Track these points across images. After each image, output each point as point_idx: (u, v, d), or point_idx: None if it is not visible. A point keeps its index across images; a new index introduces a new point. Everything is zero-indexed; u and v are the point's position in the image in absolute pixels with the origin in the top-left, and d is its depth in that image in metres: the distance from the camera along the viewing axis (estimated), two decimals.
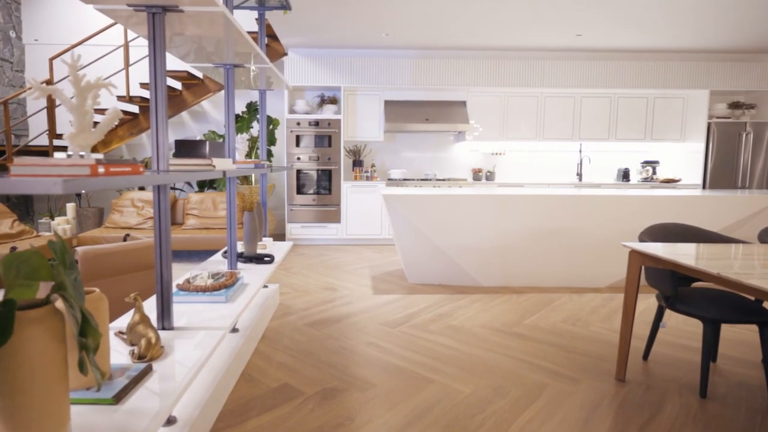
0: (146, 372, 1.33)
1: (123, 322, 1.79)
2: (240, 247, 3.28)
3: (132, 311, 1.89)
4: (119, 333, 1.59)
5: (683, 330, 3.08)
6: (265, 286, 3.56)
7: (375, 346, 2.78)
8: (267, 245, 3.25)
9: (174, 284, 2.14)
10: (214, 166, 1.90)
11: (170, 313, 1.68)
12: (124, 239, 3.09)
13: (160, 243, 1.64)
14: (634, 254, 2.25)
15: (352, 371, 2.45)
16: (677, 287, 2.27)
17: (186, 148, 1.95)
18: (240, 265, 2.75)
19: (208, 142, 1.96)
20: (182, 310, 1.93)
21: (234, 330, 2.63)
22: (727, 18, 4.74)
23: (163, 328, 1.69)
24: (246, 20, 6.38)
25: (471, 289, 4.00)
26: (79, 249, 2.24)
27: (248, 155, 5.99)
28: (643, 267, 2.27)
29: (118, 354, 1.48)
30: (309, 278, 4.39)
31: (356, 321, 3.23)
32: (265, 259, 2.78)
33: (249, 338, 2.64)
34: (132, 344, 1.52)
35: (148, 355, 1.41)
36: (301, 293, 3.90)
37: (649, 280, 2.43)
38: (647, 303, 3.67)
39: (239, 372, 2.42)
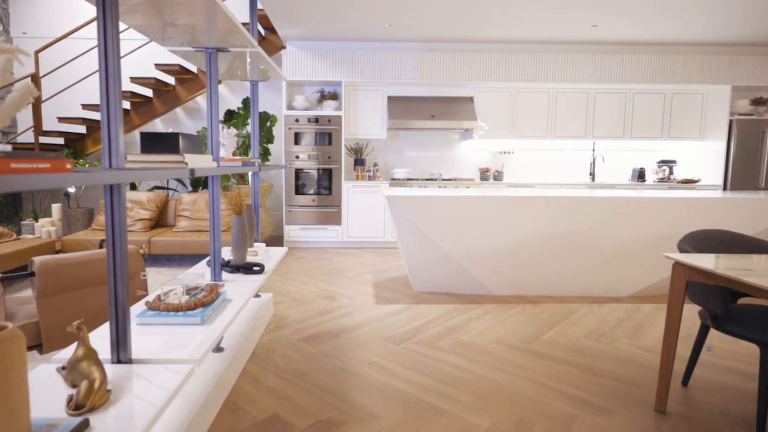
0: (80, 430, 1.02)
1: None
2: (228, 254, 2.98)
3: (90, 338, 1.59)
4: (60, 369, 1.29)
5: (727, 350, 2.77)
6: (257, 296, 3.26)
7: (377, 367, 2.47)
8: (258, 252, 2.95)
9: (144, 301, 1.84)
10: (186, 164, 1.60)
11: (127, 342, 1.38)
12: (101, 245, 2.79)
13: (114, 257, 1.34)
14: (680, 267, 1.94)
15: (351, 398, 2.14)
16: (728, 305, 1.96)
17: (154, 142, 1.64)
18: (225, 275, 2.45)
19: (180, 136, 1.65)
20: (149, 334, 1.63)
21: (218, 349, 2.33)
22: (753, 7, 4.41)
23: (119, 361, 1.38)
24: (239, 11, 6.08)
25: (481, 299, 3.69)
26: (36, 259, 1.95)
27: (244, 152, 5.70)
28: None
29: (55, 398, 1.18)
30: (307, 285, 4.08)
31: (357, 335, 2.92)
32: (254, 268, 2.48)
33: (235, 358, 2.34)
34: (73, 385, 1.21)
35: (87, 403, 1.10)
36: (297, 302, 3.59)
37: (691, 295, 2.11)
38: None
39: (222, 399, 2.12)
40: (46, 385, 1.25)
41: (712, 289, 1.93)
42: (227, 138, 2.51)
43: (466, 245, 3.65)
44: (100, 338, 1.57)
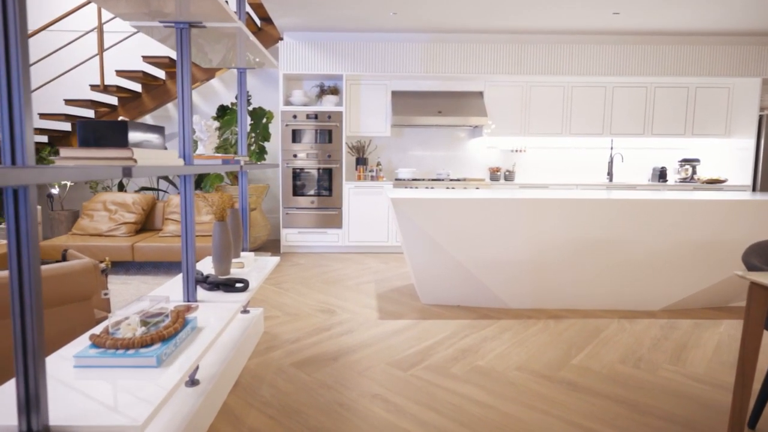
0: None
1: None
2: (210, 266, 2.61)
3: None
4: None
5: None
6: (245, 311, 2.89)
7: (381, 401, 2.09)
8: (245, 263, 2.58)
9: (89, 334, 1.47)
10: (134, 160, 1.23)
11: (40, 403, 1.01)
12: (63, 256, 2.43)
13: (21, 286, 0.97)
14: (759, 290, 1.55)
15: None
16: None
17: (94, 133, 1.27)
18: (202, 293, 2.07)
19: (129, 124, 1.28)
20: (89, 380, 1.26)
21: (191, 382, 1.96)
22: None
23: (29, 430, 1.01)
24: None
25: (497, 313, 3.31)
26: None
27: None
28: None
29: None
30: (303, 296, 3.71)
31: (358, 359, 2.54)
32: (237, 285, 2.11)
33: (213, 392, 1.97)
34: None
35: None
36: (291, 317, 3.22)
37: None
38: (723, 334, 2.96)
39: None
40: None
41: None
42: (206, 132, 2.14)
43: (480, 253, 3.27)
44: (5, 396, 1.20)
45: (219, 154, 2.13)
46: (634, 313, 3.32)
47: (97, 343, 1.37)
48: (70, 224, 5.40)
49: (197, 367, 1.96)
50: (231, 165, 2.08)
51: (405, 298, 3.67)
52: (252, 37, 2.12)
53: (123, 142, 1.27)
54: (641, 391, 2.19)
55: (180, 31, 1.84)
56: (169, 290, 2.09)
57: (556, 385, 2.26)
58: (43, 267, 1.75)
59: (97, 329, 1.52)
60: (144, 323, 1.48)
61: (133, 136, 1.32)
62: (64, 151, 1.25)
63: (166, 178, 5.79)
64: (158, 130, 1.47)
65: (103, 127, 1.28)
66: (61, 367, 1.33)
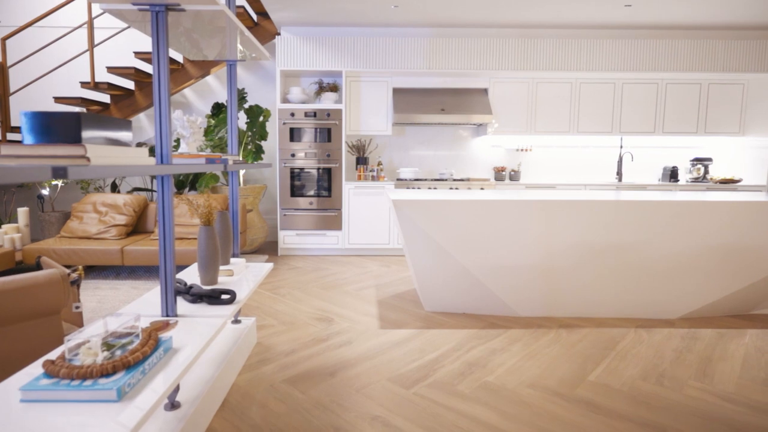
0: None
1: None
2: (196, 274, 2.41)
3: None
4: None
5: None
6: (237, 321, 2.70)
7: (381, 424, 1.90)
8: (235, 270, 2.38)
9: (42, 360, 1.28)
10: (87, 159, 1.03)
11: None
12: (37, 264, 2.24)
13: None
14: None
15: None
16: None
17: (43, 127, 1.08)
18: (184, 306, 1.88)
19: (83, 117, 1.09)
20: (35, 419, 1.07)
21: (171, 406, 1.76)
22: None
23: None
24: None
25: (505, 321, 3.12)
26: None
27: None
28: None
29: None
30: (300, 303, 3.52)
31: (356, 374, 2.35)
32: (223, 296, 1.91)
33: (196, 415, 1.78)
34: None
35: None
36: (287, 326, 3.03)
37: None
38: (749, 345, 2.75)
39: None
40: None
41: None
42: (188, 128, 1.95)
43: (486, 258, 3.07)
44: None
45: (203, 153, 1.94)
46: (651, 322, 3.12)
47: (49, 371, 1.18)
48: (60, 226, 5.21)
49: (178, 388, 1.77)
50: (216, 165, 1.88)
51: (407, 304, 3.48)
52: (237, 22, 1.92)
53: (75, 138, 1.08)
54: (667, 413, 2.00)
55: (156, 14, 1.64)
56: (148, 302, 1.90)
57: (574, 405, 2.06)
58: (1, 279, 1.56)
59: (55, 353, 1.33)
60: (108, 346, 1.29)
61: (91, 132, 1.13)
62: (5, 149, 1.05)
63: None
64: (123, 124, 1.28)
65: (54, 121, 1.09)
66: (7, 402, 1.14)
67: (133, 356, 1.24)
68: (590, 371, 2.39)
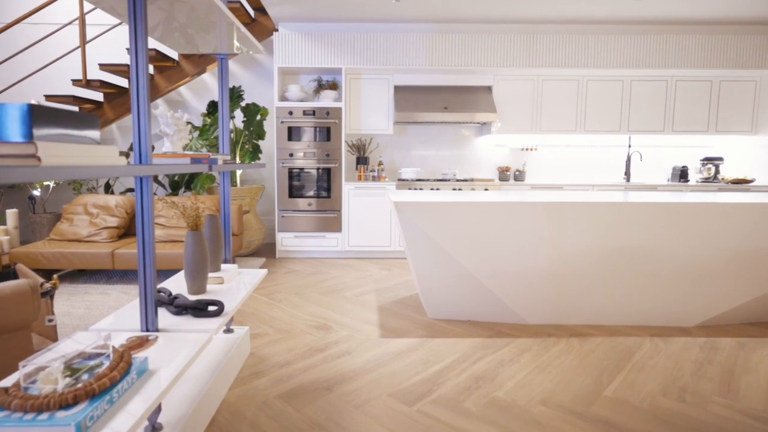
0: None
1: None
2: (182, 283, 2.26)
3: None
4: None
5: None
6: (229, 330, 2.54)
7: None
8: (225, 277, 2.23)
9: None
10: (38, 158, 0.88)
11: None
12: (14, 273, 2.08)
13: None
14: None
15: None
16: None
17: None
18: (167, 319, 1.73)
19: (34, 110, 0.94)
20: None
21: (153, 428, 1.61)
22: None
23: None
24: None
25: (513, 329, 2.96)
26: None
27: (233, 150, 4.99)
28: None
29: None
30: (297, 309, 3.36)
31: (355, 389, 2.19)
32: (210, 308, 1.76)
33: None
34: None
35: None
36: (282, 335, 2.88)
37: None
38: None
39: None
40: None
41: None
42: (172, 125, 1.79)
43: (492, 262, 2.92)
44: None
45: (189, 152, 1.78)
46: (666, 330, 2.96)
47: (0, 403, 1.02)
48: (51, 228, 5.07)
49: (159, 409, 1.61)
50: (202, 165, 1.73)
51: (409, 311, 3.32)
52: (225, 9, 1.77)
53: (25, 134, 0.92)
54: None
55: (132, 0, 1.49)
56: (127, 315, 1.75)
57: (591, 425, 1.90)
58: None
59: (10, 380, 1.17)
60: (72, 371, 1.13)
61: (45, 129, 0.97)
62: None
63: (155, 179, 5.45)
64: (87, 120, 1.13)
65: (1, 115, 0.93)
66: None
67: (98, 383, 1.09)
68: (606, 385, 2.23)
